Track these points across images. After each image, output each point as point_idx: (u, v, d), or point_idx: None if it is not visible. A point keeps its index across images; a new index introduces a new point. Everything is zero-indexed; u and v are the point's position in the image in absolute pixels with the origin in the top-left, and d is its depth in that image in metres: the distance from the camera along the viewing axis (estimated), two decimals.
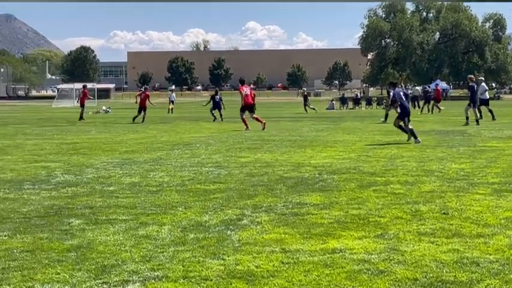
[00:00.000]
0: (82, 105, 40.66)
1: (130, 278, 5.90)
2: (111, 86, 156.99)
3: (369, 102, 70.03)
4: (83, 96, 40.85)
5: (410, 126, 20.37)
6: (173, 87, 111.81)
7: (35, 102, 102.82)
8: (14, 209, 9.41)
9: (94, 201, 10.04)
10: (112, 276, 5.98)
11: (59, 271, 6.15)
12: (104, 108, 55.60)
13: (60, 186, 11.73)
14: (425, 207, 9.24)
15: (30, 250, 6.97)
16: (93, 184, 11.94)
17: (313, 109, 52.54)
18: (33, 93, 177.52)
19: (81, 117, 38.92)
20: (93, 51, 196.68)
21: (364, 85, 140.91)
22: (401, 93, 20.96)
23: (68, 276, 5.97)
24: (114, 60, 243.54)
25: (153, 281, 5.83)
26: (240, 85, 28.41)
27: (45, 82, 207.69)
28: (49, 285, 5.72)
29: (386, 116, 33.73)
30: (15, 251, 6.95)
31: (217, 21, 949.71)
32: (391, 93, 21.65)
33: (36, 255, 6.77)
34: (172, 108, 53.23)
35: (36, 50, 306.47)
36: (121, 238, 7.51)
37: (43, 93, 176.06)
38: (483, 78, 35.31)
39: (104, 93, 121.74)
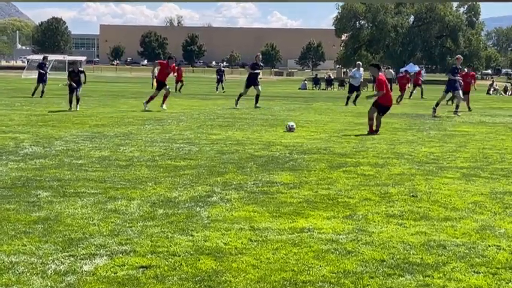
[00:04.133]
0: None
1: (98, 252, 5.87)
2: (83, 58, 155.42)
3: (341, 83, 70.14)
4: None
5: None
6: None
7: (4, 72, 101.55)
8: None
9: (62, 174, 9.95)
10: (79, 249, 5.94)
11: (25, 243, 6.09)
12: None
13: (28, 157, 11.61)
14: (394, 189, 9.29)
15: None
16: (61, 157, 11.83)
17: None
18: (2, 63, 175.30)
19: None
20: (64, 22, 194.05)
21: (337, 66, 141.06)
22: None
23: (34, 248, 5.92)
24: (86, 33, 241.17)
25: (120, 255, 5.80)
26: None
27: (15, 52, 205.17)
28: (15, 257, 5.66)
29: (347, 99, 32.57)
30: None
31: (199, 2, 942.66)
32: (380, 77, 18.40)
33: (2, 226, 6.70)
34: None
35: (7, 19, 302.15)
36: (89, 212, 7.46)
37: (12, 63, 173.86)
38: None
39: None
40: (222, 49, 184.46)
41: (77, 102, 24.36)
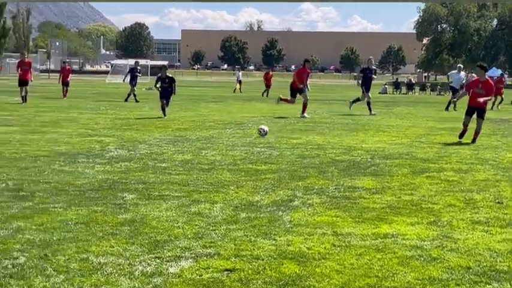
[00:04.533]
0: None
1: (183, 254, 5.96)
2: (165, 63, 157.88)
3: (423, 88, 69.17)
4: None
5: None
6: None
7: (89, 76, 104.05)
8: (69, 182, 9.56)
9: (147, 177, 10.14)
10: (165, 251, 6.05)
11: (113, 244, 6.24)
12: (157, 86, 55.20)
13: (114, 160, 11.87)
14: (479, 195, 9.13)
15: (85, 222, 7.08)
16: (146, 160, 12.06)
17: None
18: (87, 67, 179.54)
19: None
20: (147, 27, 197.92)
21: (418, 70, 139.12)
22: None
23: (121, 250, 6.05)
24: (168, 38, 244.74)
25: (205, 257, 5.88)
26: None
27: (99, 57, 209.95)
28: (103, 258, 5.80)
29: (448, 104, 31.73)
30: (70, 222, 7.06)
31: (272, 2, 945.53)
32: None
33: (90, 227, 6.87)
34: (240, 88, 52.53)
35: (92, 25, 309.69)
36: (174, 214, 7.58)
37: (97, 68, 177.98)
38: None
39: (157, 70, 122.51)
40: (301, 53, 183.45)
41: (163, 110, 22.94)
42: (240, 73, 58.40)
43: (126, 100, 32.73)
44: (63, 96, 34.54)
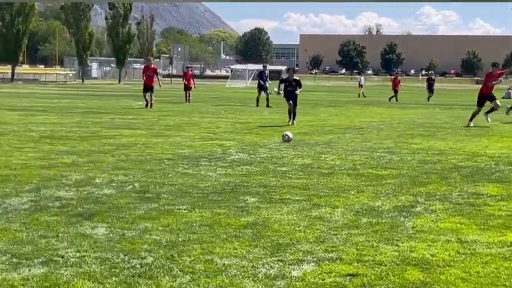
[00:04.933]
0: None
1: (305, 258, 5.99)
2: (283, 68, 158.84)
3: None
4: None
5: None
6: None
7: (209, 81, 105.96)
8: (192, 184, 9.79)
9: (268, 181, 10.25)
10: (287, 254, 6.10)
11: (236, 246, 6.34)
12: (275, 89, 55.45)
13: (235, 164, 12.07)
14: None
15: (209, 224, 7.23)
16: (266, 163, 12.19)
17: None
18: (208, 72, 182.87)
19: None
20: (266, 32, 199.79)
21: None
22: None
23: (245, 252, 6.15)
24: (286, 43, 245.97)
25: (327, 262, 5.89)
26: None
27: (220, 62, 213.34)
28: (227, 260, 5.91)
29: None
30: (194, 224, 7.24)
31: (391, 5, 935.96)
32: None
33: (214, 229, 7.02)
34: (363, 93, 52.16)
35: (212, 30, 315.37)
36: (295, 218, 7.64)
37: (217, 72, 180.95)
38: None
39: (275, 75, 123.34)
40: (421, 57, 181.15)
41: (293, 117, 22.06)
42: (363, 77, 58.00)
43: (257, 105, 32.64)
44: (186, 101, 35.24)
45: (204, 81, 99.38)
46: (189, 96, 35.77)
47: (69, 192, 8.96)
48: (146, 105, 29.70)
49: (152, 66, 32.30)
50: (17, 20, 78.09)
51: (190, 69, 40.56)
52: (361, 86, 53.95)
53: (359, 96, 51.19)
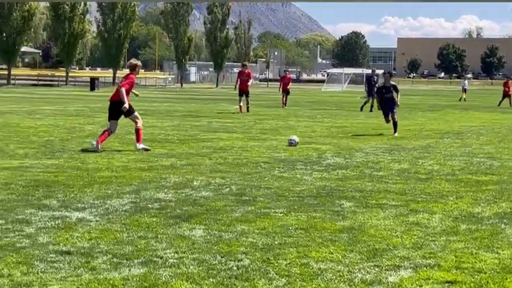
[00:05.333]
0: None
1: (402, 264, 5.93)
2: (380, 72, 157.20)
3: None
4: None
5: None
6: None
7: (305, 85, 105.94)
8: (288, 188, 9.83)
9: (364, 185, 10.19)
10: (384, 260, 6.04)
11: (332, 251, 6.33)
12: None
13: (331, 168, 12.04)
14: None
15: (305, 228, 7.24)
16: (362, 168, 12.12)
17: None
18: (304, 76, 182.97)
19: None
20: (363, 36, 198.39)
21: None
22: None
23: (340, 257, 6.13)
24: (384, 46, 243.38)
25: (424, 268, 5.80)
26: None
27: (316, 66, 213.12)
28: (323, 264, 5.90)
29: None
30: (290, 227, 7.26)
31: (492, 8, 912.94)
32: None
33: (310, 233, 7.02)
34: (464, 98, 50.89)
35: (309, 35, 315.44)
36: (391, 223, 7.56)
37: (313, 77, 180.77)
38: None
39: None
40: None
41: (395, 128, 19.47)
42: (466, 81, 56.66)
43: (361, 109, 32.26)
44: (283, 105, 35.36)
45: (300, 85, 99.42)
46: (285, 99, 35.96)
47: (168, 194, 9.15)
48: (240, 111, 29.83)
49: (246, 70, 32.53)
50: (118, 25, 79.97)
51: (288, 72, 40.81)
52: (464, 90, 52.71)
53: (460, 100, 49.99)
